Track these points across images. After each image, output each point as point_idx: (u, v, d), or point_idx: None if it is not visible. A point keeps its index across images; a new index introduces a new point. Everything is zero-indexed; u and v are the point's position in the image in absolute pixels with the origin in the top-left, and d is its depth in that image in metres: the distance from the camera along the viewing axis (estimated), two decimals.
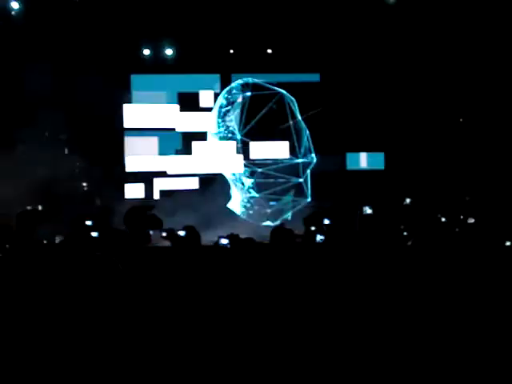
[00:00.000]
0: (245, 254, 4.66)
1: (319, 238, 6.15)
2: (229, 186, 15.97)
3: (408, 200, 14.09)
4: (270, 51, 16.11)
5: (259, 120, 16.10)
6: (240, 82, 16.49)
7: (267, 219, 15.31)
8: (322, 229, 6.43)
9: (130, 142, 14.99)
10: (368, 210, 11.65)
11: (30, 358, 2.39)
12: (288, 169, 16.14)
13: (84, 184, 15.42)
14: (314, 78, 15.91)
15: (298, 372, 3.25)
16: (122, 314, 2.33)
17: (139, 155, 14.95)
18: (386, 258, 5.17)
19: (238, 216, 15.51)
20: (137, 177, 14.99)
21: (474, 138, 16.04)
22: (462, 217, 13.26)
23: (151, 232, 9.76)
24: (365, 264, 4.87)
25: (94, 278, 2.30)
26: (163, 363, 2.64)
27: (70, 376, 2.28)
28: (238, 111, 16.22)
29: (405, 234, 8.26)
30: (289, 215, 15.52)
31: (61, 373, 2.29)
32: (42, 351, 2.39)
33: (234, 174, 16.12)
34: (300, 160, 16.34)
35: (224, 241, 6.66)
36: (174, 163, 15.11)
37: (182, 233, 5.35)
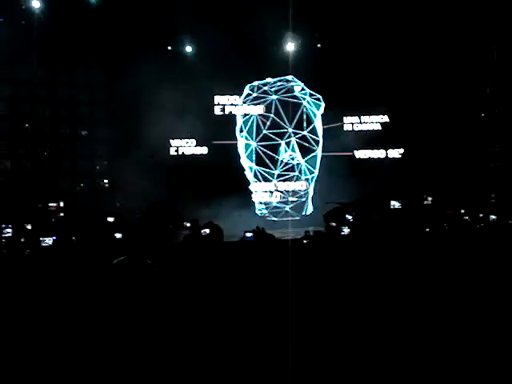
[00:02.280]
0: (266, 247, 4.71)
1: (346, 230, 6.16)
2: None
3: (430, 199, 13.93)
4: None
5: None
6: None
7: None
8: (344, 224, 6.41)
9: None
10: (396, 205, 11.47)
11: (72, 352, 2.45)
12: None
13: None
14: None
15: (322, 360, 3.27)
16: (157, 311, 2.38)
17: None
18: (406, 253, 5.17)
19: None
20: None
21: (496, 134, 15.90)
22: (481, 214, 13.14)
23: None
24: (387, 258, 4.88)
25: (131, 281, 2.34)
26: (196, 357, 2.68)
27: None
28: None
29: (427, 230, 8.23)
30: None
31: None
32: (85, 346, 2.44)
33: None
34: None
35: (249, 234, 6.72)
36: None
37: (206, 230, 5.39)
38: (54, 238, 9.39)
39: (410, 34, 15.60)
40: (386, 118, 17.50)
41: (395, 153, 17.57)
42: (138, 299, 2.33)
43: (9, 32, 14.06)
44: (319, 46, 17.15)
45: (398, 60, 15.96)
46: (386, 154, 17.53)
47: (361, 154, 17.55)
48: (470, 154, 15.85)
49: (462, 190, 14.98)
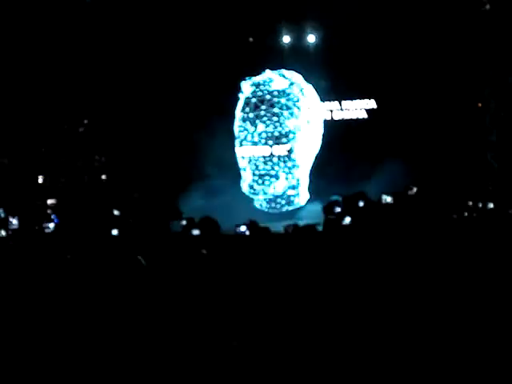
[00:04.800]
0: (262, 242, 4.71)
1: (347, 220, 6.24)
2: None
3: (414, 189, 13.42)
4: None
5: None
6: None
7: None
8: (338, 217, 6.49)
9: None
10: (388, 199, 11.34)
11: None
12: None
13: None
14: None
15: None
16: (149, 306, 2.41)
17: None
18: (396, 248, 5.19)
19: None
20: None
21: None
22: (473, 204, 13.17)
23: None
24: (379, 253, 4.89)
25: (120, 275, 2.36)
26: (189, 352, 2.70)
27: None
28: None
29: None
30: None
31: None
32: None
33: None
34: None
35: (242, 228, 6.65)
36: None
37: (196, 232, 5.34)
38: (56, 221, 9.54)
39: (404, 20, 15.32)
40: (372, 103, 14.87)
41: (282, 150, 14.86)
42: (127, 295, 2.36)
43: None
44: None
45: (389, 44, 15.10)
46: (271, 152, 14.72)
47: (243, 151, 14.84)
48: (467, 144, 15.77)
49: (459, 180, 14.93)
